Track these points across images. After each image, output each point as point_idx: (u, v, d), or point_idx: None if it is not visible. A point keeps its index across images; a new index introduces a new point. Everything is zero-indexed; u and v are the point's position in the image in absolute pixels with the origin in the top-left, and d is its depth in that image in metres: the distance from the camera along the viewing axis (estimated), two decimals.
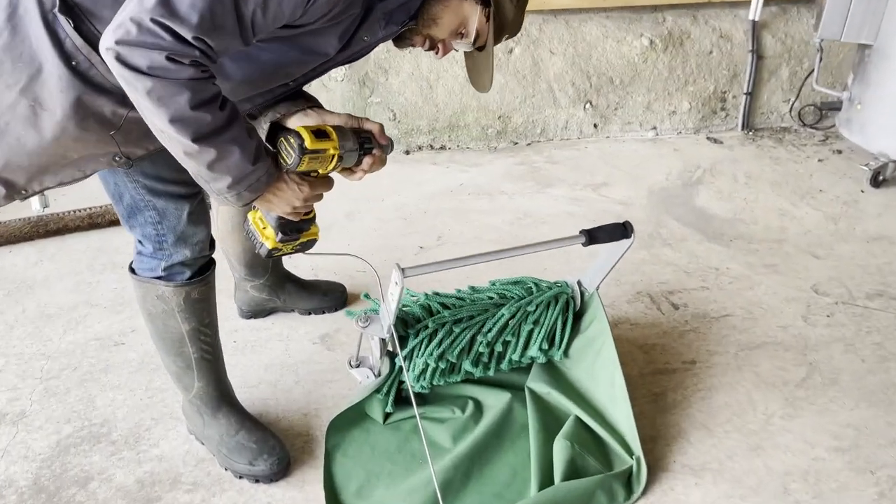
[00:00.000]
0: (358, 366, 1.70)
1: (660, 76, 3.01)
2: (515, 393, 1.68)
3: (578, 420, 1.60)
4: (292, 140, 1.12)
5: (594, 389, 1.65)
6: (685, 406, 1.69)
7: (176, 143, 1.00)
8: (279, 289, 1.91)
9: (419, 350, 1.57)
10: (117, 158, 1.14)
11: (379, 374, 1.62)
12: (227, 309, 1.98)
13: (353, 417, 1.61)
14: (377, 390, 1.59)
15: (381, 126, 1.28)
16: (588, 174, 2.78)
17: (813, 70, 2.90)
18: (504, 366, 1.65)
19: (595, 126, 3.07)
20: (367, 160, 1.22)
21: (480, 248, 2.26)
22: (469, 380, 1.71)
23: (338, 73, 2.74)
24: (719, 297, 2.07)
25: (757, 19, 2.99)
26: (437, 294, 1.63)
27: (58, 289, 2.07)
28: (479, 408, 1.67)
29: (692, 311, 2.01)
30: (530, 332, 1.65)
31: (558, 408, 1.65)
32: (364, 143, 1.22)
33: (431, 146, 2.96)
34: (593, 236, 1.43)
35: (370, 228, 2.37)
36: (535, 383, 1.68)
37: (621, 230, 1.45)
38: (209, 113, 0.98)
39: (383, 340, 1.53)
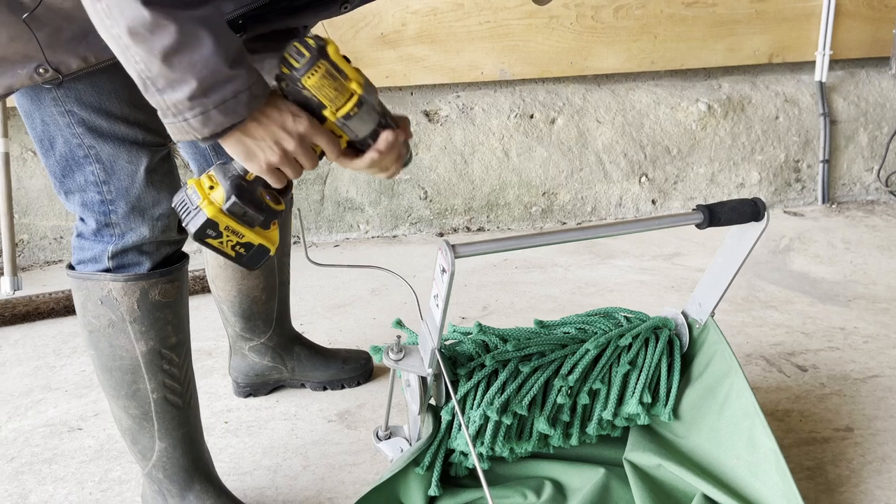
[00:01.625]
0: (388, 436, 1.28)
1: (722, 144, 2.75)
2: (610, 469, 1.23)
3: (709, 501, 1.14)
4: (310, 41, 0.82)
5: (723, 458, 1.19)
6: (856, 481, 1.22)
7: (115, 13, 0.71)
8: (286, 353, 1.53)
9: (474, 398, 1.15)
10: (41, 71, 0.84)
11: (419, 439, 1.19)
12: (219, 388, 1.59)
13: None
14: (415, 461, 1.15)
15: (408, 120, 0.98)
16: (654, 246, 2.44)
17: None
18: (591, 429, 1.22)
19: (653, 202, 2.77)
20: (385, 136, 0.89)
21: (537, 316, 1.87)
22: (541, 455, 1.27)
23: None
24: (857, 357, 1.64)
25: (824, 80, 2.78)
26: (493, 329, 1.24)
27: (12, 374, 1.71)
28: (560, 491, 1.21)
29: (826, 373, 1.57)
30: (626, 377, 1.23)
31: (675, 486, 1.19)
32: (387, 116, 0.91)
33: (468, 228, 2.67)
34: (714, 214, 1.07)
35: (399, 303, 2.01)
36: (638, 454, 1.23)
37: (751, 208, 1.09)
38: None
39: (424, 383, 1.13)
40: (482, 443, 1.16)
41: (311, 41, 0.82)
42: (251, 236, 0.90)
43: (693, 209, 1.09)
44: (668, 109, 2.71)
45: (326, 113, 0.85)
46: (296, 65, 0.82)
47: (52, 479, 1.30)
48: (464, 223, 2.67)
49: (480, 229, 2.67)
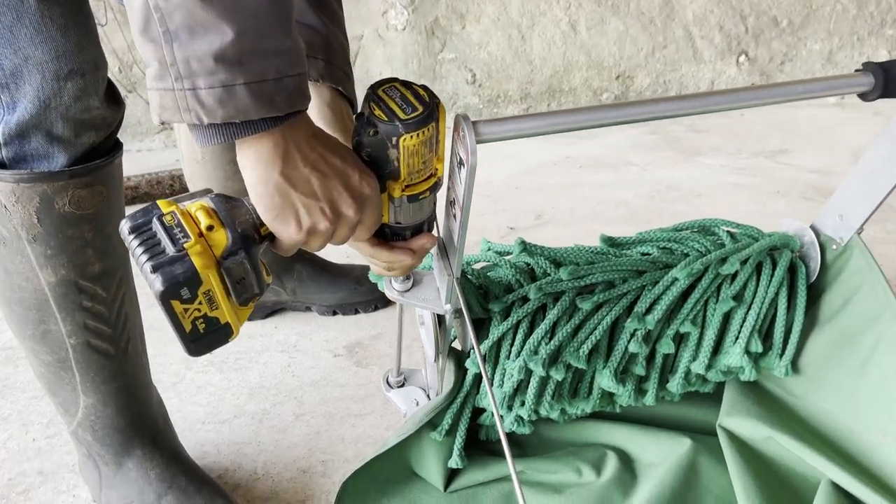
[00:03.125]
0: (401, 384, 1.00)
1: (845, 14, 2.25)
2: (698, 439, 0.92)
3: (840, 492, 0.83)
4: (423, 92, 0.63)
5: (863, 432, 0.87)
6: None
7: None
8: (283, 270, 1.25)
9: (511, 344, 0.85)
10: None
11: (439, 393, 0.91)
12: None
13: (387, 478, 0.90)
14: (433, 424, 0.87)
15: None
16: (754, 141, 2.03)
17: None
18: (674, 386, 0.91)
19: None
20: (425, 238, 0.73)
21: (603, 227, 1.54)
22: (603, 414, 0.97)
23: (397, 19, 2.15)
24: None
25: None
26: (542, 248, 0.92)
27: None
28: (628, 467, 0.91)
29: None
30: (727, 317, 0.90)
31: (791, 467, 0.89)
32: (434, 217, 0.75)
33: None
34: (891, 77, 0.69)
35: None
36: (739, 420, 0.92)
37: None
38: None
39: (441, 322, 0.83)
40: (522, 403, 0.86)
41: (423, 92, 0.63)
42: (226, 310, 0.63)
43: (857, 70, 0.71)
44: None
45: (394, 185, 0.65)
46: (401, 115, 0.61)
47: None
48: (519, 113, 2.30)
49: None
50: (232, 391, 1.12)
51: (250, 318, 1.28)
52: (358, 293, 1.28)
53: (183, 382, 1.14)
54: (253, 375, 1.15)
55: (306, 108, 0.58)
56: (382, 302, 1.30)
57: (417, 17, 2.16)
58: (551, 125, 0.62)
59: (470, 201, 0.65)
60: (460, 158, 0.64)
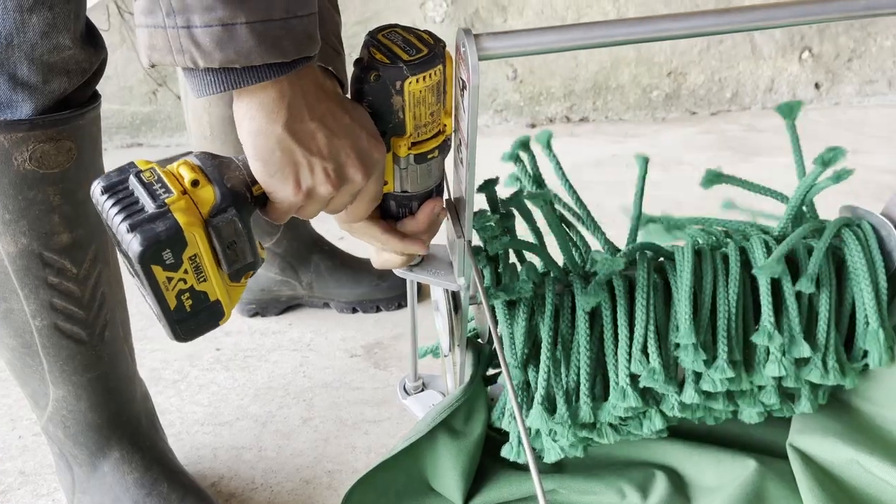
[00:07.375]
0: (421, 388, 0.89)
1: None
2: (765, 461, 0.79)
3: None
4: (425, 35, 0.58)
5: None
6: None
7: None
8: (301, 263, 1.15)
9: (537, 307, 0.73)
10: None
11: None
12: None
13: (397, 491, 0.79)
14: (447, 426, 0.76)
15: None
16: (820, 141, 1.87)
17: None
18: (766, 371, 0.76)
19: (817, 86, 2.17)
20: (432, 205, 0.64)
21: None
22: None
23: (436, 11, 2.06)
24: None
25: None
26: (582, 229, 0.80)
27: None
28: (681, 490, 0.78)
29: None
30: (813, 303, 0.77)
31: (877, 497, 0.74)
32: (443, 182, 0.67)
33: (567, 118, 2.18)
34: None
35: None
36: (812, 438, 0.78)
37: None
38: None
39: (455, 304, 0.72)
40: (564, 364, 0.71)
41: (427, 35, 0.57)
42: (215, 284, 0.55)
43: None
44: None
45: (399, 143, 0.58)
46: (404, 56, 0.55)
47: None
48: (562, 111, 2.18)
49: (584, 119, 2.17)
50: (237, 391, 1.02)
51: (264, 314, 1.18)
52: (380, 289, 1.18)
53: (185, 380, 1.04)
54: (261, 375, 1.05)
55: (316, 55, 0.50)
56: (405, 299, 1.19)
57: (457, 8, 2.07)
58: (567, 40, 0.54)
59: (475, 132, 0.56)
60: (462, 82, 0.55)
